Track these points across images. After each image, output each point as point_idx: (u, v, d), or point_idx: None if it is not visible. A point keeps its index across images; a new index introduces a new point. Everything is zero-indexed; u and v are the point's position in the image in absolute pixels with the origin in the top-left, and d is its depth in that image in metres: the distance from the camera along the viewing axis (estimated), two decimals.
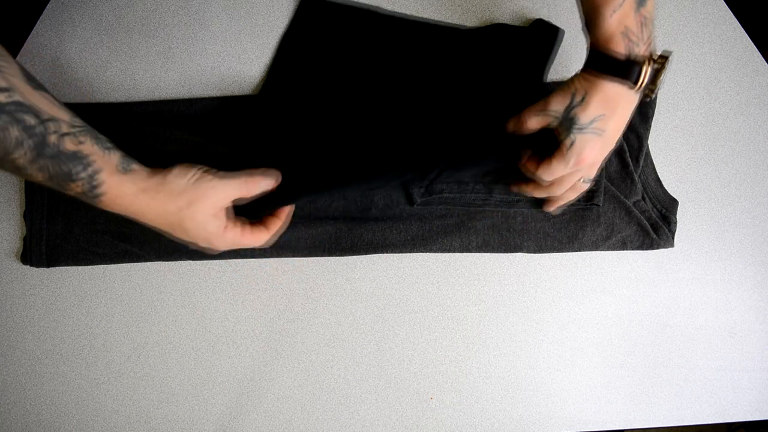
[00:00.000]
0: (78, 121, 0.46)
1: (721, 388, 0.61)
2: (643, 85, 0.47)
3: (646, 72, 0.46)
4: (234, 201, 0.52)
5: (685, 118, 0.65)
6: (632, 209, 0.61)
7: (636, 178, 0.62)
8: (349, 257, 0.62)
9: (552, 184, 0.54)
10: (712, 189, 0.64)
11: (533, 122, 0.52)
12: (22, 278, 0.62)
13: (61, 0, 0.66)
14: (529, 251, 0.62)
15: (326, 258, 0.62)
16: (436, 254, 0.62)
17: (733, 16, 0.67)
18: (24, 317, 0.61)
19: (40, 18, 0.65)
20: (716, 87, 0.66)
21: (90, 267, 0.62)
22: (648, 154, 0.63)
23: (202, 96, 0.65)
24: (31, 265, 0.61)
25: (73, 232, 0.61)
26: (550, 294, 0.62)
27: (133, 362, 0.61)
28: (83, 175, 0.46)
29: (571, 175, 0.53)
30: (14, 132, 0.42)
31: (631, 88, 0.47)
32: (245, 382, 0.61)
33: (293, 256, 0.62)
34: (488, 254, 0.62)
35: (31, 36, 0.64)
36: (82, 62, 0.64)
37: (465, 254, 0.62)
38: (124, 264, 0.62)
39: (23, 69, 0.44)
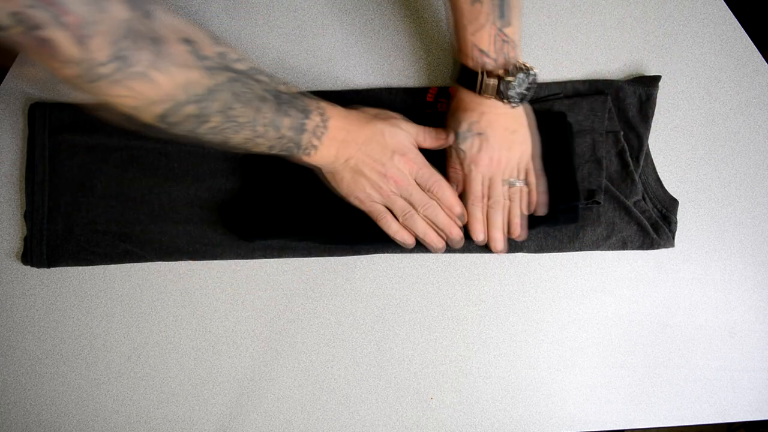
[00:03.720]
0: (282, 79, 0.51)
1: (721, 388, 0.61)
2: (483, 92, 0.54)
3: (482, 81, 0.53)
4: (414, 138, 0.57)
5: (685, 118, 0.65)
6: (632, 209, 0.61)
7: (636, 178, 0.62)
8: (349, 257, 0.62)
9: (477, 202, 0.58)
10: (712, 189, 0.64)
11: (452, 162, 0.59)
12: (22, 278, 0.62)
13: None
14: (529, 251, 0.62)
15: (326, 258, 0.62)
16: (437, 254, 0.62)
17: (733, 16, 0.67)
18: (24, 317, 0.61)
19: None
20: (716, 87, 0.66)
21: (90, 267, 0.62)
22: (648, 153, 0.63)
23: None
24: (32, 266, 0.61)
25: (73, 232, 0.61)
26: (550, 294, 0.62)
27: (133, 362, 0.61)
28: (313, 105, 0.51)
29: (487, 180, 0.58)
30: (258, 90, 0.47)
31: (477, 95, 0.55)
32: (245, 382, 0.61)
33: (293, 256, 0.62)
34: (488, 254, 0.62)
35: None
36: None
37: (465, 254, 0.62)
38: (124, 264, 0.62)
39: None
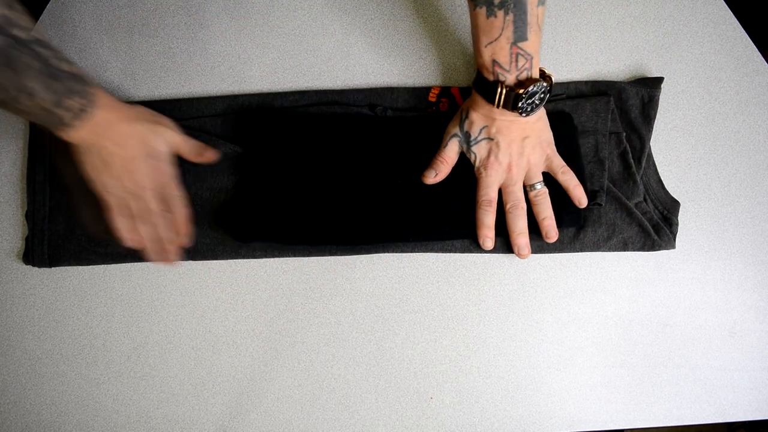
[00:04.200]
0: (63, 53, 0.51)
1: (721, 388, 0.61)
2: (501, 105, 0.55)
3: (501, 95, 0.54)
4: (174, 149, 0.58)
5: (685, 118, 0.65)
6: (634, 210, 0.61)
7: (638, 179, 0.62)
8: (349, 257, 0.62)
9: (486, 206, 0.60)
10: (712, 189, 0.64)
11: (448, 152, 0.60)
12: (22, 278, 0.62)
13: (61, 0, 0.66)
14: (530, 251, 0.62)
15: (326, 258, 0.62)
16: (437, 254, 0.62)
17: (733, 16, 0.67)
18: (24, 317, 0.61)
19: (40, 18, 0.65)
20: (716, 87, 0.66)
21: (90, 267, 0.62)
22: (650, 155, 0.63)
23: (203, 95, 0.65)
24: (33, 265, 0.61)
25: (74, 232, 0.61)
26: (550, 294, 0.62)
27: (133, 362, 0.61)
28: (83, 91, 0.51)
29: (497, 185, 0.60)
30: (29, 61, 0.47)
31: (493, 107, 0.56)
32: (245, 382, 0.61)
33: (293, 256, 0.62)
34: (488, 254, 0.62)
35: None
36: (82, 62, 0.64)
37: (465, 254, 0.62)
38: (124, 264, 0.62)
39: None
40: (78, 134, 0.53)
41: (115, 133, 0.54)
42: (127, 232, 0.57)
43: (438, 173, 0.60)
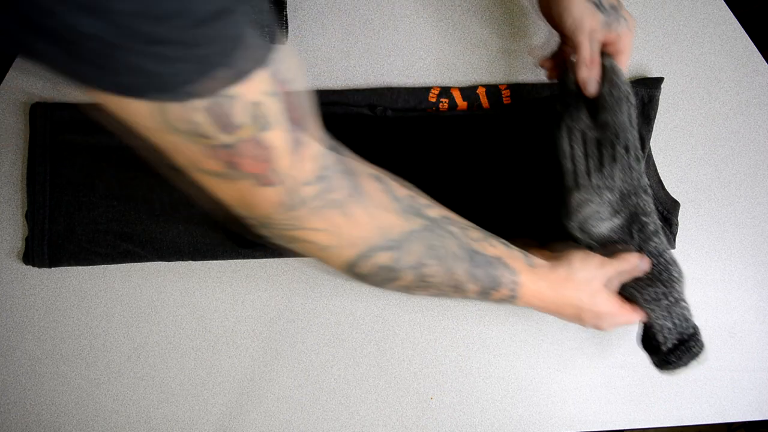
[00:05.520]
0: (466, 221, 0.46)
1: (721, 388, 0.61)
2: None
3: None
4: (612, 280, 0.53)
5: (685, 118, 0.65)
6: None
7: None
8: None
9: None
10: (712, 189, 0.64)
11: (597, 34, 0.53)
12: (22, 278, 0.62)
13: None
14: None
15: None
16: None
17: (733, 16, 0.67)
18: (24, 317, 0.61)
19: None
20: (716, 87, 0.66)
21: (90, 267, 0.62)
22: (650, 155, 0.63)
23: None
24: (33, 266, 0.61)
25: (75, 232, 0.61)
26: None
27: (133, 362, 0.61)
28: (507, 279, 0.46)
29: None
30: (452, 246, 0.42)
31: None
32: (245, 382, 0.61)
33: (293, 256, 0.62)
34: None
35: None
36: None
37: None
38: (124, 264, 0.62)
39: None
40: (520, 305, 0.50)
41: (555, 312, 0.51)
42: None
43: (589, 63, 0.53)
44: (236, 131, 0.28)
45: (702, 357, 0.54)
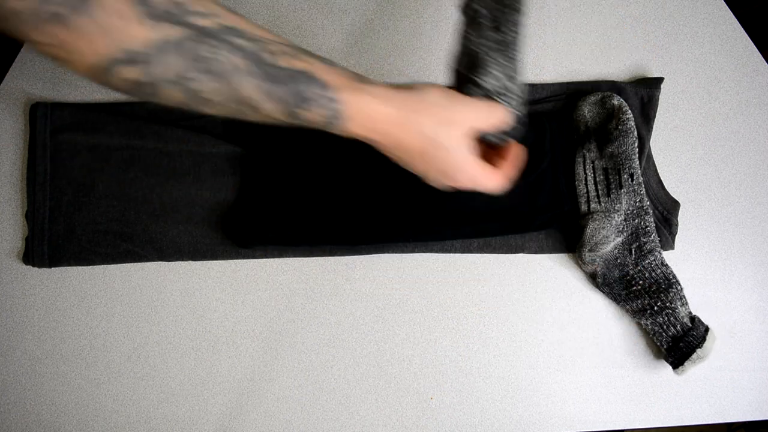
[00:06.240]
0: (282, 38, 0.40)
1: (721, 388, 0.61)
2: None
3: None
4: (477, 131, 0.45)
5: (685, 118, 0.65)
6: None
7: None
8: (349, 257, 0.62)
9: None
10: (712, 189, 0.64)
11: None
12: (22, 278, 0.62)
13: None
14: (530, 252, 0.62)
15: (326, 258, 0.62)
16: (437, 254, 0.62)
17: (733, 16, 0.67)
18: (24, 317, 0.61)
19: None
20: (716, 87, 0.66)
21: (90, 267, 0.62)
22: (650, 155, 0.63)
23: None
24: (33, 266, 0.61)
25: (75, 232, 0.61)
26: (550, 294, 0.62)
27: (133, 362, 0.61)
28: (317, 95, 0.39)
29: None
30: (234, 59, 0.37)
31: None
32: (245, 382, 0.61)
33: (293, 256, 0.62)
34: (488, 254, 0.62)
35: None
36: None
37: (465, 254, 0.62)
38: (124, 264, 0.62)
39: None
40: (351, 131, 0.42)
41: (390, 146, 0.43)
42: None
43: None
44: None
45: (703, 350, 0.57)
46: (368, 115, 0.41)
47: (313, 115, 0.40)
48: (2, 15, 0.32)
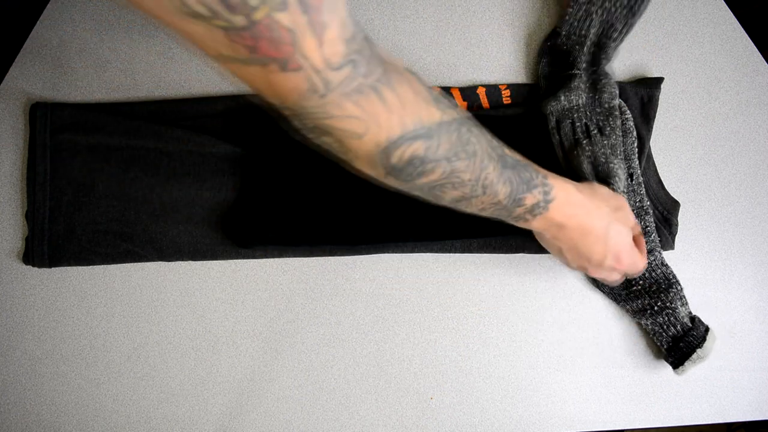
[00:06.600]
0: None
1: (721, 388, 0.61)
2: None
3: None
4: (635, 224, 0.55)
5: (685, 118, 0.65)
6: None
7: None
8: (349, 257, 0.62)
9: None
10: (712, 189, 0.64)
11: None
12: (22, 278, 0.62)
13: (61, 0, 0.66)
14: (530, 252, 0.62)
15: (326, 258, 0.62)
16: (437, 254, 0.62)
17: (733, 16, 0.67)
18: (24, 317, 0.61)
19: (40, 18, 0.65)
20: (716, 87, 0.66)
21: (90, 267, 0.62)
22: (650, 155, 0.63)
23: (203, 95, 0.65)
24: (33, 266, 0.61)
25: (75, 232, 0.61)
26: (550, 294, 0.62)
27: (133, 362, 0.61)
28: (539, 181, 0.45)
29: None
30: (482, 142, 0.41)
31: None
32: (245, 382, 0.61)
33: (293, 256, 0.62)
34: (488, 254, 0.62)
35: (31, 36, 0.64)
36: (82, 62, 0.64)
37: (465, 254, 0.62)
38: (124, 264, 0.62)
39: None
40: (533, 226, 0.49)
41: (573, 231, 0.50)
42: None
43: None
44: (251, 13, 0.28)
45: (703, 350, 0.57)
46: (568, 200, 0.48)
47: (531, 199, 0.45)
48: (326, 83, 0.33)
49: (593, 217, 0.50)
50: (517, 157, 0.45)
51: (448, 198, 0.43)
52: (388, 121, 0.36)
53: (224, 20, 0.28)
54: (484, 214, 0.46)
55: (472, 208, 0.45)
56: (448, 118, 0.39)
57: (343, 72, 0.33)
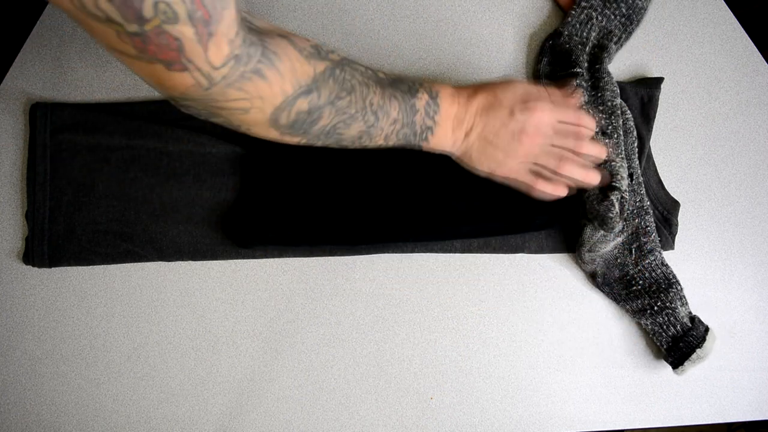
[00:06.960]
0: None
1: (721, 388, 0.61)
2: None
3: None
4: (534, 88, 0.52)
5: (685, 118, 0.65)
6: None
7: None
8: (349, 257, 0.62)
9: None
10: (712, 189, 0.64)
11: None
12: (22, 278, 0.62)
13: None
14: (530, 252, 0.62)
15: (326, 258, 0.62)
16: (436, 254, 0.62)
17: (733, 16, 0.67)
18: (24, 317, 0.61)
19: (40, 18, 0.65)
20: (716, 87, 0.66)
21: (90, 267, 0.62)
22: (650, 155, 0.63)
23: None
24: (33, 266, 0.61)
25: (75, 232, 0.61)
26: (550, 294, 0.62)
27: (133, 362, 0.61)
28: (417, 86, 0.48)
29: None
30: (358, 76, 0.45)
31: None
32: (245, 382, 0.61)
33: (293, 256, 0.62)
34: (488, 254, 0.62)
35: (31, 36, 0.64)
36: (82, 62, 0.64)
37: (465, 254, 0.62)
38: (124, 264, 0.62)
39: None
40: (440, 136, 0.50)
41: (468, 110, 0.50)
42: (554, 190, 0.52)
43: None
44: (145, 23, 0.31)
45: (703, 350, 0.57)
46: (457, 90, 0.51)
47: (420, 101, 0.48)
48: (210, 79, 0.36)
49: (477, 89, 0.51)
50: (393, 75, 0.49)
51: (348, 138, 0.47)
52: (271, 93, 0.40)
53: (118, 25, 0.31)
54: (392, 142, 0.49)
55: (378, 140, 0.48)
56: (321, 68, 0.42)
57: (225, 68, 0.36)
